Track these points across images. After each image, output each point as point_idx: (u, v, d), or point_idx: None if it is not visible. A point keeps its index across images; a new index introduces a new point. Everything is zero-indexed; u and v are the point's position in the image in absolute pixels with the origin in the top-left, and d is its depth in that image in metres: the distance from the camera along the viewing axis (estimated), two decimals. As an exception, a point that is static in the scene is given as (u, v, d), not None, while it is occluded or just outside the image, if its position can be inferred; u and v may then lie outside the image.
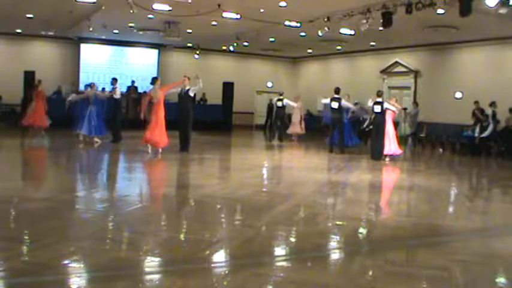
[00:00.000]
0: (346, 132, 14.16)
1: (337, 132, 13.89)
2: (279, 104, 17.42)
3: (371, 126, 17.52)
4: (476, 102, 15.29)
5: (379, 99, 12.68)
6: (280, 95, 17.94)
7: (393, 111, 12.71)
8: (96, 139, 13.78)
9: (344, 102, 13.96)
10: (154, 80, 11.92)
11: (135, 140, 14.63)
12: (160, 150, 11.66)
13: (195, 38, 20.27)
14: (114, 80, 14.20)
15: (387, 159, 12.61)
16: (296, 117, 17.62)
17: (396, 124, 18.90)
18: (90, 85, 14.69)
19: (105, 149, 13.15)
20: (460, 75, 17.74)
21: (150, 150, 11.77)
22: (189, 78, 11.97)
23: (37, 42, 21.87)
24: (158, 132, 11.41)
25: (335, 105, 13.82)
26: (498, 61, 16.48)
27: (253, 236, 5.00)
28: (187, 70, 21.83)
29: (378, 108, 12.63)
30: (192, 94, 12.01)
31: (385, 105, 12.57)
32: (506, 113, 14.81)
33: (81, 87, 19.89)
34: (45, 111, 15.77)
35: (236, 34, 18.13)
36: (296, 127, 17.63)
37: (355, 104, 14.44)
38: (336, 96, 13.89)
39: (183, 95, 11.91)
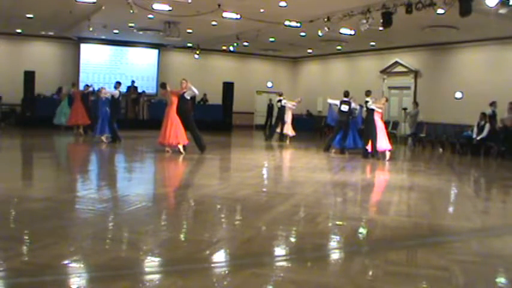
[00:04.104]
0: (351, 135, 14.11)
1: (341, 134, 13.88)
2: (279, 105, 17.44)
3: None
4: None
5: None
6: (280, 95, 17.92)
7: (376, 110, 12.76)
8: (103, 138, 14.07)
9: (353, 106, 13.98)
10: (164, 85, 12.57)
11: (135, 140, 14.68)
12: (181, 148, 11.90)
13: (195, 38, 20.27)
14: (118, 84, 14.31)
15: (387, 157, 12.64)
16: (289, 118, 17.40)
17: (396, 124, 19.01)
18: (99, 89, 15.20)
19: (105, 149, 13.16)
20: (460, 75, 17.74)
21: (169, 150, 12.04)
22: (186, 81, 12.17)
23: (37, 42, 21.87)
24: (172, 132, 11.78)
25: (345, 108, 13.81)
26: (498, 61, 16.48)
27: (253, 236, 5.00)
28: (187, 70, 21.99)
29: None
30: (188, 97, 12.21)
31: (369, 105, 12.75)
32: (506, 112, 14.79)
33: (81, 87, 19.89)
34: (86, 110, 16.94)
35: (236, 34, 18.12)
36: (288, 128, 17.38)
37: (361, 106, 14.46)
38: (346, 99, 13.88)
39: (180, 98, 12.09)
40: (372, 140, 12.62)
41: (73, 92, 17.65)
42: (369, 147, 12.74)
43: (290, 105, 17.28)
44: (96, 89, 17.91)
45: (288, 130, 17.20)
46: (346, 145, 13.87)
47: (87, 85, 18.65)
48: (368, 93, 13.03)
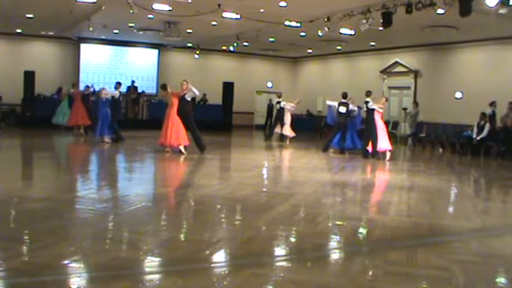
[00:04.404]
0: (349, 135, 14.09)
1: (339, 135, 13.89)
2: (278, 106, 17.47)
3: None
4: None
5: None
6: (279, 96, 17.96)
7: (377, 110, 12.80)
8: (105, 139, 13.93)
9: (351, 107, 13.98)
10: (165, 86, 12.54)
11: (135, 140, 14.67)
12: (183, 149, 11.88)
13: (195, 38, 20.28)
14: (118, 84, 14.24)
15: (387, 157, 12.64)
16: (288, 119, 17.37)
17: (396, 124, 19.01)
18: (100, 90, 15.07)
19: (104, 149, 13.15)
20: (460, 75, 17.74)
21: (169, 150, 12.02)
22: (187, 82, 12.15)
23: (37, 42, 21.88)
24: (173, 134, 11.78)
25: (343, 109, 13.85)
26: (498, 61, 16.48)
27: (253, 236, 5.00)
28: (187, 70, 22.00)
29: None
30: (188, 98, 12.21)
31: (370, 105, 12.74)
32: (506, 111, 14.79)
33: (81, 87, 19.89)
34: (87, 110, 16.90)
35: (236, 34, 18.13)
36: (287, 128, 17.35)
37: (359, 107, 14.44)
38: (344, 100, 13.91)
39: (181, 99, 12.08)
40: (372, 140, 12.64)
41: (73, 93, 17.64)
42: (369, 148, 12.75)
43: (289, 107, 17.27)
44: (96, 89, 17.92)
45: (287, 131, 17.18)
46: (345, 146, 13.88)
47: (87, 86, 18.65)
48: (368, 93, 13.05)
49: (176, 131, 11.81)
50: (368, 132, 12.85)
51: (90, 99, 17.38)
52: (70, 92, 17.93)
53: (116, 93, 13.95)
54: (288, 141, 17.09)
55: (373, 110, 12.70)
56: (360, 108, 14.39)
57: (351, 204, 7.34)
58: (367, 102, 12.84)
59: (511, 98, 14.82)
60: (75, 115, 16.85)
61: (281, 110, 17.30)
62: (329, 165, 11.76)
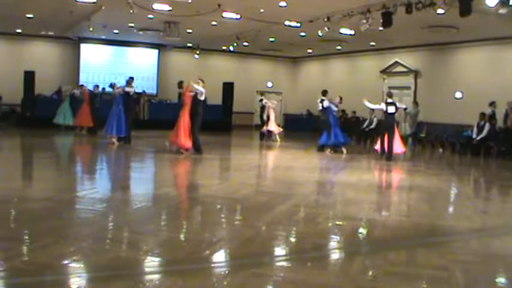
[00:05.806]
0: (333, 132, 14.01)
1: (326, 134, 13.92)
2: (260, 104, 17.68)
3: (371, 126, 17.65)
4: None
5: (391, 100, 12.78)
6: (261, 94, 18.18)
7: (402, 107, 13.00)
8: (114, 139, 13.46)
9: (326, 104, 14.02)
10: (181, 84, 12.41)
11: (135, 140, 14.65)
12: (183, 150, 11.81)
13: (195, 38, 20.27)
14: (131, 79, 13.64)
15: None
16: (272, 115, 17.42)
17: (396, 124, 18.99)
18: (111, 85, 14.47)
19: (105, 149, 13.15)
20: (460, 75, 17.73)
21: (170, 147, 12.08)
22: (202, 81, 11.98)
23: (37, 42, 21.86)
24: (182, 134, 11.74)
25: (319, 106, 14.11)
26: (498, 61, 16.47)
27: (253, 236, 5.00)
28: (187, 70, 21.97)
29: (392, 109, 12.68)
30: (201, 98, 11.97)
31: (398, 104, 12.83)
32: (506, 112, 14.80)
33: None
34: (91, 111, 16.66)
35: (236, 34, 18.13)
36: (272, 124, 17.40)
37: (332, 103, 14.33)
38: (322, 98, 14.06)
39: (193, 97, 12.02)
40: (390, 143, 12.53)
41: (82, 93, 17.41)
42: (378, 147, 12.70)
43: (270, 104, 17.36)
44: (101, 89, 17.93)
45: (272, 126, 17.20)
46: (331, 143, 13.82)
47: (96, 85, 18.56)
48: (390, 94, 13.19)
49: (185, 132, 11.80)
50: (384, 134, 12.79)
51: (97, 99, 17.21)
52: (74, 92, 17.84)
53: (131, 89, 13.48)
54: (277, 137, 17.03)
55: (394, 112, 12.62)
56: (334, 104, 14.25)
57: (351, 204, 7.33)
58: (393, 104, 12.63)
59: (511, 98, 14.83)
60: (83, 116, 16.70)
61: (263, 108, 17.45)
62: (329, 165, 11.76)
